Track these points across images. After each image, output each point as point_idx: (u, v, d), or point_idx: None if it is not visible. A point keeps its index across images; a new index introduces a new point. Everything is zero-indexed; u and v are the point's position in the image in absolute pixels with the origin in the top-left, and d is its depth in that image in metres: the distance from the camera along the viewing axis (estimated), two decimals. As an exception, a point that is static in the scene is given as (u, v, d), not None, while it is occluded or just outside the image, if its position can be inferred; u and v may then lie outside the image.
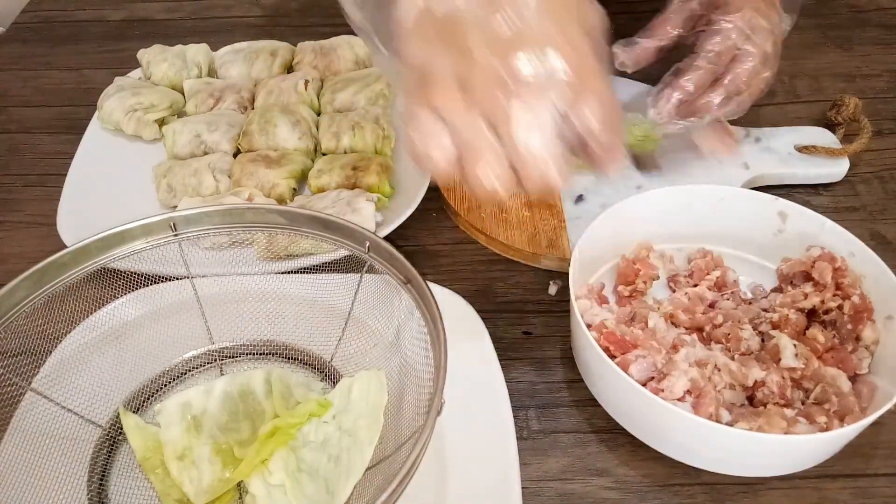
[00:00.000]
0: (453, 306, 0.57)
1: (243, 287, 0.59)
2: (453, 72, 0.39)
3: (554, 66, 0.39)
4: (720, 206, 0.60)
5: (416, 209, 0.66)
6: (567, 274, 0.54)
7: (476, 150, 0.39)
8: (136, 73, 0.83)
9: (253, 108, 0.76)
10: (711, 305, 0.57)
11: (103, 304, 0.56)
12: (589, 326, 0.53)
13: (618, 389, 0.50)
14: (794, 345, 0.51)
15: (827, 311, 0.54)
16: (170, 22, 0.97)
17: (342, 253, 0.55)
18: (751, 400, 0.51)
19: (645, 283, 0.58)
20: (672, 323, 0.56)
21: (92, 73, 0.89)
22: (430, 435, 0.41)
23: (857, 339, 0.53)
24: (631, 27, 0.87)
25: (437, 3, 0.41)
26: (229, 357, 0.57)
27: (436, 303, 0.47)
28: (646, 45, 0.61)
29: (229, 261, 0.60)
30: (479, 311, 0.57)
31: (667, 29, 0.62)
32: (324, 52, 0.81)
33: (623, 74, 0.64)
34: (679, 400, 0.50)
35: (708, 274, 0.58)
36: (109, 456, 0.51)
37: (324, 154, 0.73)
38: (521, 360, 0.58)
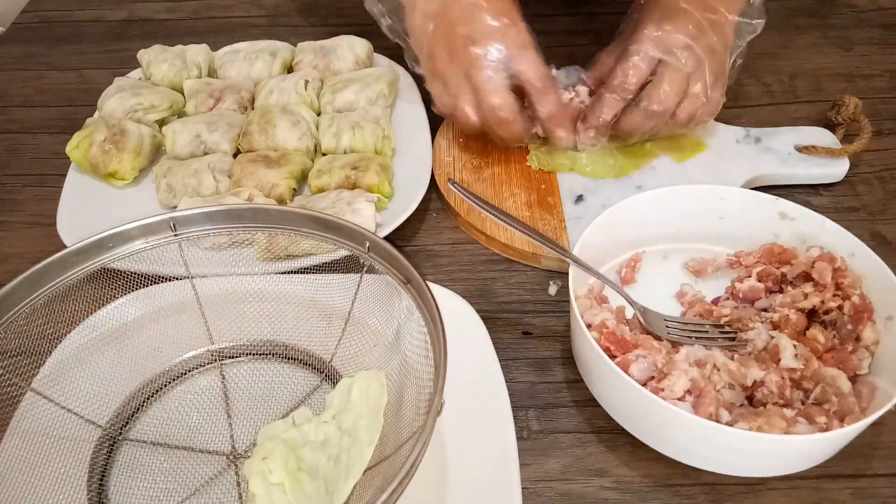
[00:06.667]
0: (453, 306, 0.57)
1: (243, 287, 0.59)
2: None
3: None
4: (720, 206, 0.60)
5: (416, 209, 0.66)
6: (567, 274, 0.54)
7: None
8: (135, 74, 0.83)
9: (253, 109, 0.76)
10: (715, 302, 0.58)
11: (103, 304, 0.56)
12: (589, 326, 0.53)
13: (618, 389, 0.50)
14: (794, 345, 0.51)
15: (827, 312, 0.54)
16: (170, 22, 0.97)
17: (342, 253, 0.55)
18: (750, 400, 0.51)
19: None
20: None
21: (92, 73, 0.89)
22: (430, 435, 0.41)
23: (858, 339, 0.53)
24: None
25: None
26: (229, 357, 0.57)
27: (436, 303, 0.47)
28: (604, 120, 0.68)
29: (229, 261, 0.60)
30: (479, 311, 0.57)
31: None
32: (324, 52, 0.81)
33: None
34: (679, 400, 0.50)
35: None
36: (109, 456, 0.51)
37: (324, 154, 0.73)
38: (521, 360, 0.58)
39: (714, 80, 0.65)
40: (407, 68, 0.76)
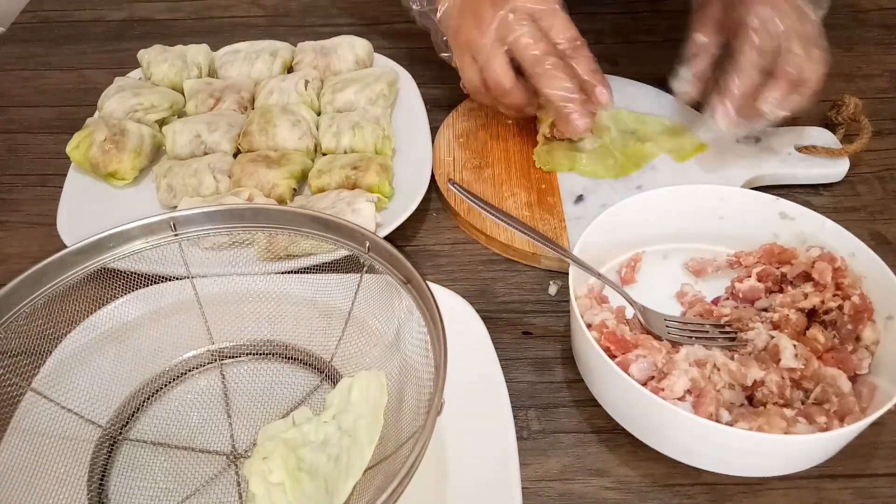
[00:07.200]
0: (453, 306, 0.57)
1: (243, 287, 0.59)
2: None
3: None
4: (720, 206, 0.60)
5: (416, 209, 0.66)
6: (567, 274, 0.54)
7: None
8: (136, 74, 0.83)
9: (253, 109, 0.76)
10: (715, 302, 0.58)
11: (103, 304, 0.56)
12: (589, 326, 0.53)
13: (618, 389, 0.50)
14: (794, 345, 0.51)
15: (827, 311, 0.54)
16: (170, 22, 0.97)
17: (342, 253, 0.55)
18: (750, 400, 0.51)
19: None
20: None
21: (92, 73, 0.89)
22: (430, 435, 0.41)
23: (858, 339, 0.53)
24: (631, 27, 0.87)
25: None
26: (229, 357, 0.57)
27: (436, 303, 0.47)
28: (698, 74, 0.67)
29: (229, 261, 0.60)
30: (479, 311, 0.57)
31: (708, 51, 0.67)
32: (324, 52, 0.81)
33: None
34: (679, 400, 0.50)
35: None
36: (109, 456, 0.51)
37: (324, 154, 0.73)
38: (521, 360, 0.58)
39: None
40: (412, 72, 0.76)
